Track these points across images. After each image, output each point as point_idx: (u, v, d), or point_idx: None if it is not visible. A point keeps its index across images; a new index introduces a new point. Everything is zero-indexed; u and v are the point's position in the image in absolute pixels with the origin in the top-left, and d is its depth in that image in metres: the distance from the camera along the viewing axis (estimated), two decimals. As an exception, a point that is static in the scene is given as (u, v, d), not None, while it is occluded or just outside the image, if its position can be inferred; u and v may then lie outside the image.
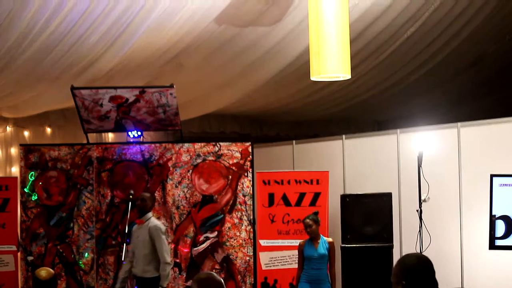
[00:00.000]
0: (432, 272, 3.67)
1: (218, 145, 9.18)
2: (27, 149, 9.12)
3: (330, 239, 8.45)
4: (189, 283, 8.76)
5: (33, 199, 8.92)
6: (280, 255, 9.33)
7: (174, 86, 8.70)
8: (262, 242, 9.39)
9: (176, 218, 9.05)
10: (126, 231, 8.37)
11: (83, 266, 8.95)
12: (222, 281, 4.16)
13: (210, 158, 9.15)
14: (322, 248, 8.31)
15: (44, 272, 6.09)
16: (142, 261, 8.09)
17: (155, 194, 9.01)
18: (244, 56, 9.43)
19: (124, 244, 8.44)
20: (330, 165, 10.08)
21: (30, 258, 8.84)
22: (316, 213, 8.53)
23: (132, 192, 8.75)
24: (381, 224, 9.16)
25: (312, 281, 8.34)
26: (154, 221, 8.23)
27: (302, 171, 9.78)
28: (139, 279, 8.15)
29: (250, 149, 9.19)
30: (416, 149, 8.89)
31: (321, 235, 8.41)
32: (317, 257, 8.33)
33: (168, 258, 8.11)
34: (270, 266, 9.31)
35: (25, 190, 8.94)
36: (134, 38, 8.06)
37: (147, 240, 8.07)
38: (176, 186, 9.08)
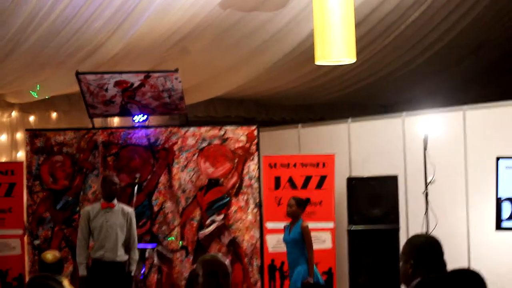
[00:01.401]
0: (441, 252, 3.69)
1: (224, 129, 9.17)
2: (32, 134, 9.13)
3: (304, 224, 8.27)
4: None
5: None
6: (286, 238, 9.33)
7: (179, 71, 8.68)
8: (269, 225, 9.41)
9: (182, 202, 9.07)
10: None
11: None
12: (227, 262, 4.16)
13: (216, 141, 9.14)
14: (294, 232, 8.27)
15: (50, 255, 6.13)
16: (116, 245, 8.00)
17: (161, 177, 9.04)
18: (249, 41, 9.41)
19: None
20: (336, 148, 10.06)
21: (36, 242, 8.87)
22: (307, 200, 8.52)
23: (138, 176, 8.76)
24: (387, 206, 9.16)
25: (290, 265, 8.36)
26: (124, 205, 8.22)
27: (308, 155, 9.79)
28: (110, 263, 8.01)
29: (255, 133, 9.18)
30: (421, 132, 8.89)
31: (301, 219, 8.33)
32: (289, 241, 8.31)
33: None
34: (277, 249, 9.31)
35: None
36: (139, 23, 8.05)
37: (123, 224, 8.05)
38: (182, 170, 9.09)
